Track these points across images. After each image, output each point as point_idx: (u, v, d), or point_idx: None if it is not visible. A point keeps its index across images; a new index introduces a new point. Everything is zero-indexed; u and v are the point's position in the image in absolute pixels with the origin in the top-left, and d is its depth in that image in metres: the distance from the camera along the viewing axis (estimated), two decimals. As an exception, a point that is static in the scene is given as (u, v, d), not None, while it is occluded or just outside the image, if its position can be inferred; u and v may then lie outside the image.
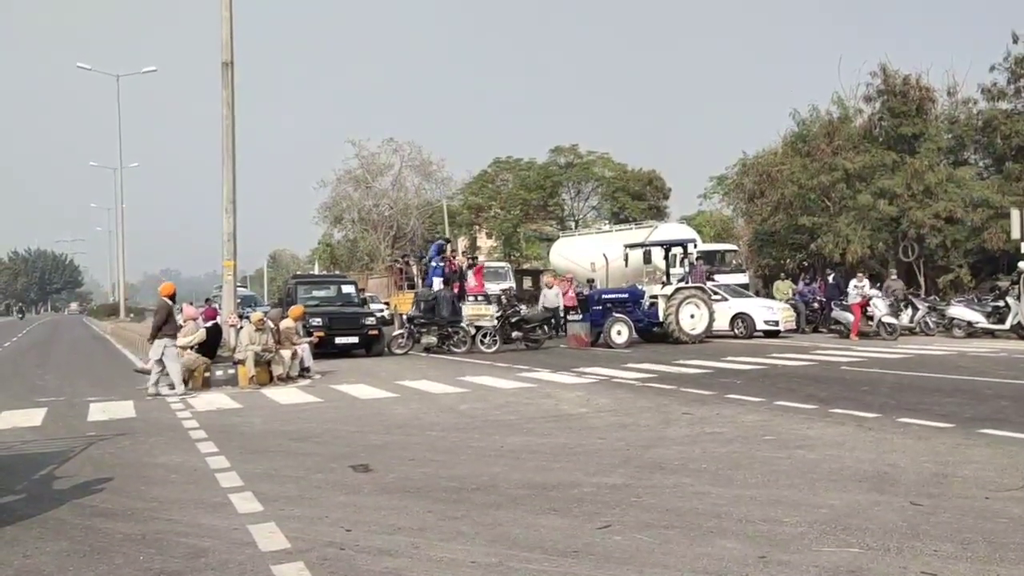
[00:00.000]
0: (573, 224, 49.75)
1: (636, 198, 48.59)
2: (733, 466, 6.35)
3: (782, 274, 28.84)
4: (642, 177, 49.83)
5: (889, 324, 19.50)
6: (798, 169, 28.76)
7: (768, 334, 21.41)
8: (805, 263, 33.47)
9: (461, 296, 20.29)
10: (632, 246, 21.83)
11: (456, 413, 9.82)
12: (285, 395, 12.10)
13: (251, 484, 6.20)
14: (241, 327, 14.15)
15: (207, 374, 13.20)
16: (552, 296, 22.20)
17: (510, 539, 4.62)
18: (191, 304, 15.59)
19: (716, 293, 22.02)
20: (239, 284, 55.22)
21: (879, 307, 19.84)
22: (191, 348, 13.51)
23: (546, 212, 52.16)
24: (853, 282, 21.01)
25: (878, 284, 24.26)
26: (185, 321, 14.52)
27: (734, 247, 31.66)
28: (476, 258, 24.94)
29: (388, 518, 5.16)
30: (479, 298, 20.33)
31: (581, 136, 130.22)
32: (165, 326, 12.63)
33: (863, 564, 4.03)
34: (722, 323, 21.34)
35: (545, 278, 27.05)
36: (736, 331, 21.52)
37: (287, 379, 13.71)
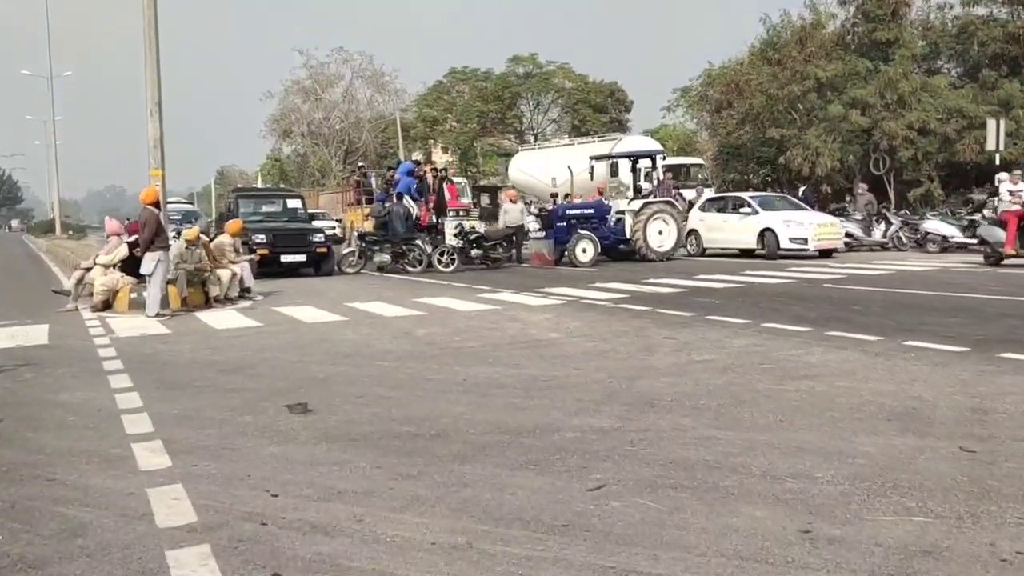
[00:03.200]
0: (532, 138, 48.20)
1: (597, 111, 47.13)
2: (735, 402, 5.45)
3: (749, 189, 28.00)
4: (603, 89, 48.24)
5: None
6: (767, 79, 27.65)
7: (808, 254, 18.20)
8: (769, 177, 32.75)
9: (441, 211, 19.09)
10: (598, 158, 20.69)
11: (412, 339, 8.79)
12: (220, 319, 10.92)
13: (163, 430, 5.13)
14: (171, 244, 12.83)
15: (133, 295, 11.92)
16: (516, 212, 20.91)
17: (480, 507, 3.65)
18: (114, 218, 14.15)
19: (747, 204, 19.59)
20: (184, 200, 52.56)
21: None
22: (114, 266, 12.21)
23: (504, 125, 50.41)
24: (1007, 184, 17.13)
25: (849, 199, 23.64)
26: (108, 237, 13.17)
27: (700, 161, 30.65)
28: (446, 171, 23.53)
29: (326, 477, 4.14)
30: (460, 212, 19.18)
31: (540, 46, 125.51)
32: (157, 238, 11.21)
33: (938, 540, 3.13)
34: (750, 239, 18.94)
35: (506, 193, 25.75)
36: (761, 249, 18.72)
37: (225, 301, 12.51)
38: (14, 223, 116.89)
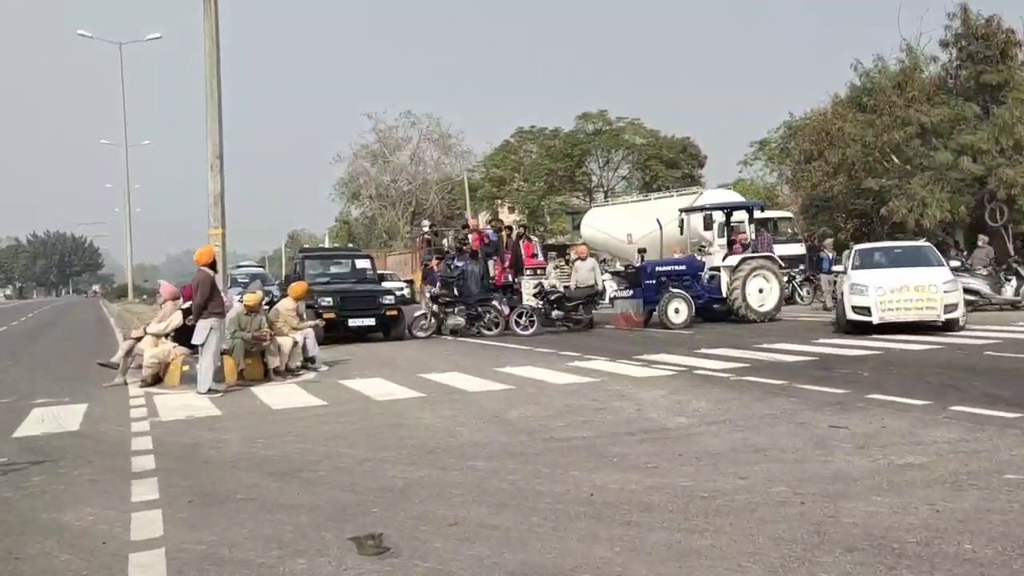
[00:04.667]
0: (602, 195, 46.86)
1: (670, 166, 45.58)
2: (1019, 545, 3.63)
3: (851, 242, 25.82)
4: (675, 144, 46.78)
5: None
6: (862, 126, 25.71)
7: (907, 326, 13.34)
8: (858, 232, 30.46)
9: (518, 270, 17.75)
10: (689, 210, 19.01)
11: (505, 425, 7.15)
12: (280, 395, 9.48)
13: (180, 583, 3.57)
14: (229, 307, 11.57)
15: (185, 368, 10.60)
16: (585, 270, 19.08)
17: None
18: (168, 282, 13.00)
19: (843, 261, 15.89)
20: (255, 264, 52.41)
21: None
22: (167, 336, 10.97)
23: (573, 183, 49.23)
24: None
25: (964, 252, 21.37)
26: (162, 302, 11.98)
27: (788, 214, 28.63)
28: (524, 227, 22.18)
29: None
30: (539, 271, 17.81)
31: (610, 102, 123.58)
32: (211, 303, 9.89)
33: None
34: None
35: (575, 250, 24.00)
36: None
37: (286, 372, 11.11)
38: (95, 288, 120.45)
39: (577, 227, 47.14)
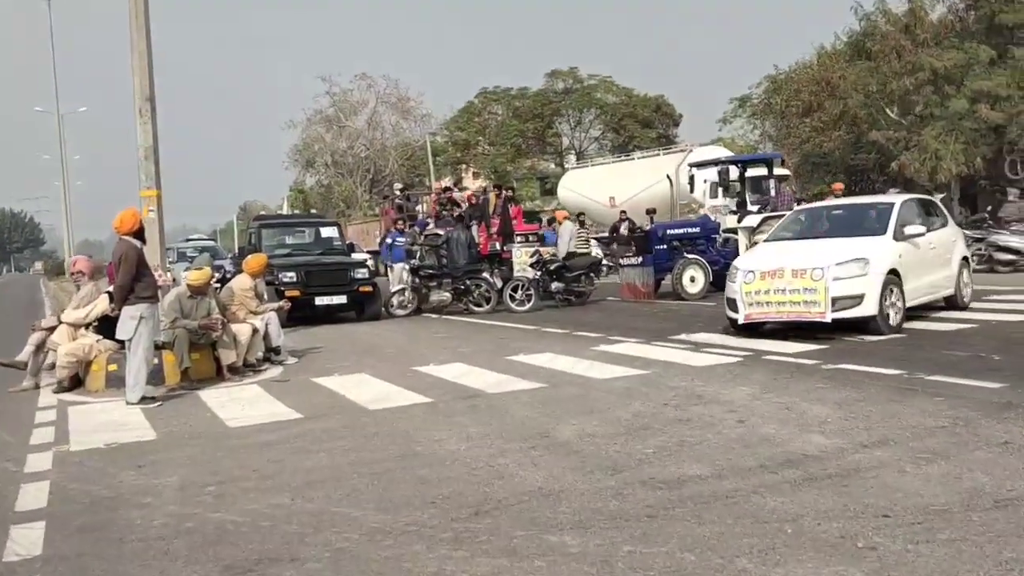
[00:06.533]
0: (573, 158, 44.66)
1: (645, 126, 43.49)
2: None
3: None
4: (649, 103, 44.68)
5: None
6: (865, 73, 23.83)
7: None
8: (852, 190, 28.79)
9: (508, 237, 15.52)
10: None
11: (566, 452, 4.99)
12: (237, 403, 7.20)
13: None
14: (170, 286, 9.22)
15: (112, 367, 8.23)
16: (564, 236, 16.69)
17: None
18: (89, 257, 10.48)
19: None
20: (205, 236, 48.72)
21: None
22: (87, 327, 8.57)
23: (543, 145, 46.90)
24: None
25: (988, 209, 19.70)
26: (77, 283, 9.47)
27: (786, 172, 26.74)
28: (513, 189, 19.96)
29: None
30: (531, 237, 15.59)
31: (579, 59, 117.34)
32: (138, 284, 7.39)
33: None
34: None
35: (556, 214, 21.70)
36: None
37: (244, 368, 8.81)
38: (38, 265, 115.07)
39: (548, 192, 45.03)
